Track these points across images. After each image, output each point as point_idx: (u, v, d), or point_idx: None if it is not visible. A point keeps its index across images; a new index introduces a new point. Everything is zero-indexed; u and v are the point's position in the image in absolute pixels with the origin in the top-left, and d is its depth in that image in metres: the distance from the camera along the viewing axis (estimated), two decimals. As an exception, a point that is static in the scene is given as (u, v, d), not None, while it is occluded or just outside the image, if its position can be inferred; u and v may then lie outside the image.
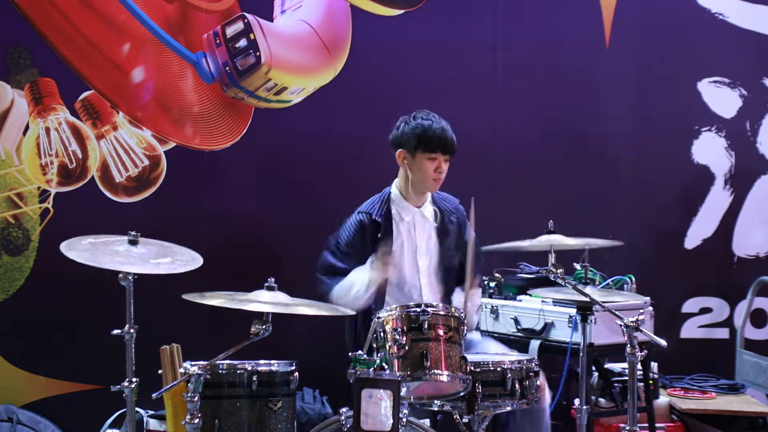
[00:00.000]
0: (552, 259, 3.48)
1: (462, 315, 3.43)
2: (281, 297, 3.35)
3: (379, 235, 3.98)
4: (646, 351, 3.38)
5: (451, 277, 4.07)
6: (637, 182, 5.21)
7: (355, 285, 3.83)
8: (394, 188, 4.10)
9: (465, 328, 3.44)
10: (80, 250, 3.60)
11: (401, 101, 4.95)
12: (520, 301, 4.45)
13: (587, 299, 3.51)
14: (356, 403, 3.07)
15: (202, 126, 5.04)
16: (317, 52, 5.06)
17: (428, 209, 4.10)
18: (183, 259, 3.75)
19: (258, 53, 4.98)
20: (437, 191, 4.13)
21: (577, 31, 5.17)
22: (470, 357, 3.41)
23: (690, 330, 5.23)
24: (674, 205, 5.23)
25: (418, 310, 3.34)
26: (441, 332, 3.33)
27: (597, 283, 4.30)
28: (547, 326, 4.29)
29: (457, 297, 4.05)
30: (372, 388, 3.08)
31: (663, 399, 4.72)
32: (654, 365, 4.63)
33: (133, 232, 3.69)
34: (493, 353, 3.88)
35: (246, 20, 5.00)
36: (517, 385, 3.41)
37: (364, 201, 4.14)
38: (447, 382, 3.31)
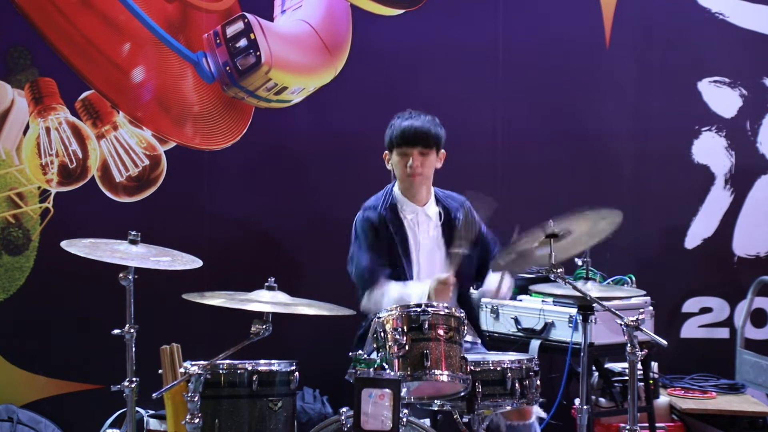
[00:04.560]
0: (552, 258, 3.48)
1: (462, 315, 3.43)
2: (281, 297, 3.35)
3: (391, 231, 3.97)
4: (646, 351, 3.38)
5: (463, 273, 4.04)
6: (637, 182, 5.21)
7: (413, 298, 3.76)
8: (396, 187, 4.10)
9: (465, 328, 3.44)
10: (81, 246, 3.61)
11: (401, 101, 4.93)
12: (521, 300, 4.45)
13: (587, 298, 3.51)
14: (356, 403, 3.07)
15: (203, 126, 5.04)
16: (317, 52, 5.06)
17: (432, 209, 4.08)
18: (183, 259, 3.75)
19: (258, 53, 4.98)
20: (442, 189, 4.12)
21: (577, 31, 5.17)
22: (470, 357, 3.41)
23: (690, 330, 5.22)
24: (674, 205, 5.23)
25: (419, 310, 3.34)
26: (441, 332, 3.33)
27: (597, 282, 4.30)
28: (548, 326, 4.29)
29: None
30: (372, 387, 3.08)
31: (663, 399, 4.72)
32: (654, 365, 4.63)
33: (133, 232, 3.70)
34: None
35: (246, 20, 5.00)
36: (517, 385, 3.41)
37: (365, 200, 4.13)
38: (447, 382, 3.31)
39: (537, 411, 3.87)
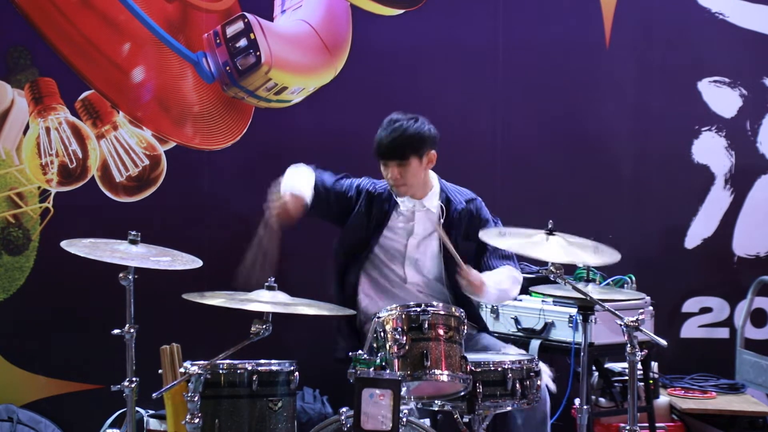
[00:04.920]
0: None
1: (462, 315, 3.43)
2: (281, 297, 3.35)
3: (373, 210, 3.98)
4: (646, 351, 3.38)
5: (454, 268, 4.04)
6: (637, 182, 5.21)
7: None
8: None
9: (465, 327, 3.44)
10: (81, 246, 3.60)
11: (401, 101, 4.94)
12: (521, 300, 4.45)
13: (588, 299, 3.51)
14: (356, 403, 3.07)
15: (203, 126, 5.04)
16: (317, 52, 5.06)
17: (432, 201, 4.03)
18: (183, 259, 3.75)
19: (258, 53, 4.98)
20: (453, 184, 4.09)
21: (577, 31, 5.17)
22: (471, 357, 3.41)
23: (690, 330, 5.23)
24: (674, 205, 5.23)
25: (419, 309, 3.34)
26: (441, 332, 3.33)
27: (597, 282, 4.30)
28: (548, 326, 4.30)
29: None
30: (372, 387, 3.08)
31: (663, 399, 4.72)
32: (654, 365, 4.63)
33: (133, 232, 3.70)
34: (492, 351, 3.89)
35: (246, 20, 5.00)
36: (517, 385, 3.41)
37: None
38: (447, 381, 3.31)
39: (547, 374, 3.82)
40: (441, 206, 4.03)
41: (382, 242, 4.01)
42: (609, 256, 3.54)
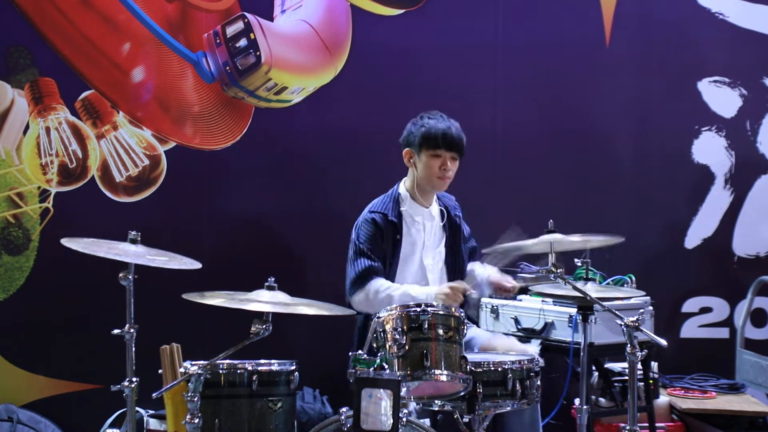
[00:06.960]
0: (552, 258, 3.48)
1: (462, 315, 3.43)
2: (281, 296, 3.35)
3: (398, 237, 3.97)
4: (646, 351, 3.38)
5: (459, 271, 4.08)
6: (637, 182, 5.21)
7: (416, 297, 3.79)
8: (403, 188, 4.09)
9: (465, 327, 3.44)
10: (81, 243, 3.59)
11: (401, 101, 4.96)
12: (521, 300, 4.45)
13: (588, 298, 3.51)
14: (356, 403, 3.07)
15: (203, 125, 5.04)
16: (317, 52, 5.06)
17: (435, 208, 4.12)
18: (181, 261, 3.74)
19: (258, 53, 4.98)
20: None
21: (577, 31, 5.17)
22: (471, 357, 3.41)
23: (690, 329, 5.22)
24: (674, 205, 5.23)
25: (418, 309, 3.34)
26: (441, 332, 3.33)
27: (597, 282, 4.30)
28: (547, 326, 4.29)
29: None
30: (372, 387, 3.08)
31: (663, 398, 4.72)
32: (654, 365, 4.63)
33: (133, 232, 3.70)
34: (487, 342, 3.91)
35: (246, 20, 5.00)
36: (518, 385, 3.41)
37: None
38: (447, 381, 3.31)
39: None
40: (441, 210, 4.09)
41: (401, 259, 4.03)
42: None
